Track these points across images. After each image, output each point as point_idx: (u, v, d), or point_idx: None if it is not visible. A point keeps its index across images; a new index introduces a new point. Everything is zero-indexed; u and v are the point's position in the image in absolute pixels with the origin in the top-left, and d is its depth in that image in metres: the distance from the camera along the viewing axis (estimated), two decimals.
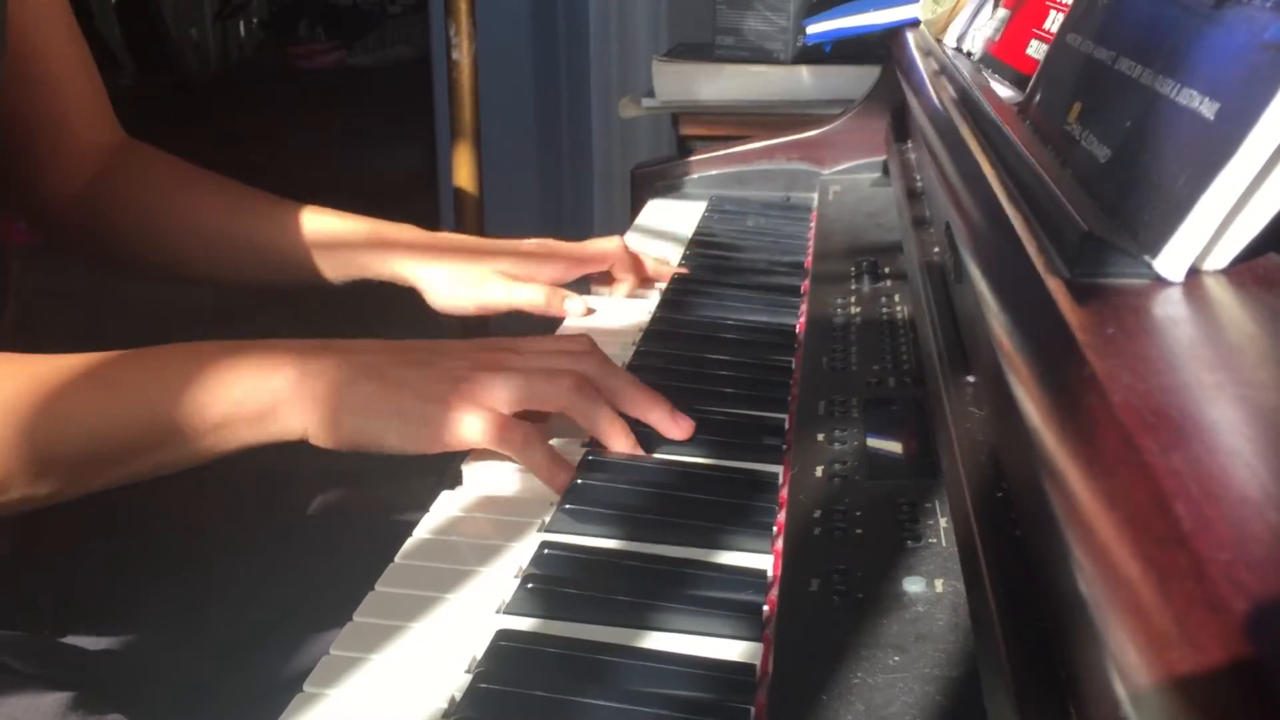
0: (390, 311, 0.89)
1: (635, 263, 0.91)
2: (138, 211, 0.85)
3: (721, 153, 1.19)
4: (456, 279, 0.83)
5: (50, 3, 0.78)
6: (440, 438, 0.58)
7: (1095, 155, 0.45)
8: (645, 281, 0.92)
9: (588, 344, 0.65)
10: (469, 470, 0.61)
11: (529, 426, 0.60)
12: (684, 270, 0.93)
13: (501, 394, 0.60)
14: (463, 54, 1.53)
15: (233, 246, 0.85)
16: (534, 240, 0.88)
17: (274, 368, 0.59)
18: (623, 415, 0.62)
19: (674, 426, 0.62)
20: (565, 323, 0.84)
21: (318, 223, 0.84)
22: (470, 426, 0.58)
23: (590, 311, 0.85)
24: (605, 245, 0.89)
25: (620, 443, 0.61)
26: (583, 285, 0.90)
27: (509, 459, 0.60)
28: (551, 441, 0.62)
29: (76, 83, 0.82)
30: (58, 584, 0.70)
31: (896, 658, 0.43)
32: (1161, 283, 0.37)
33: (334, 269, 0.85)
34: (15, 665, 0.60)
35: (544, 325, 0.83)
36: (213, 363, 0.59)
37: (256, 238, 0.84)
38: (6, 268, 0.75)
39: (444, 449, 0.59)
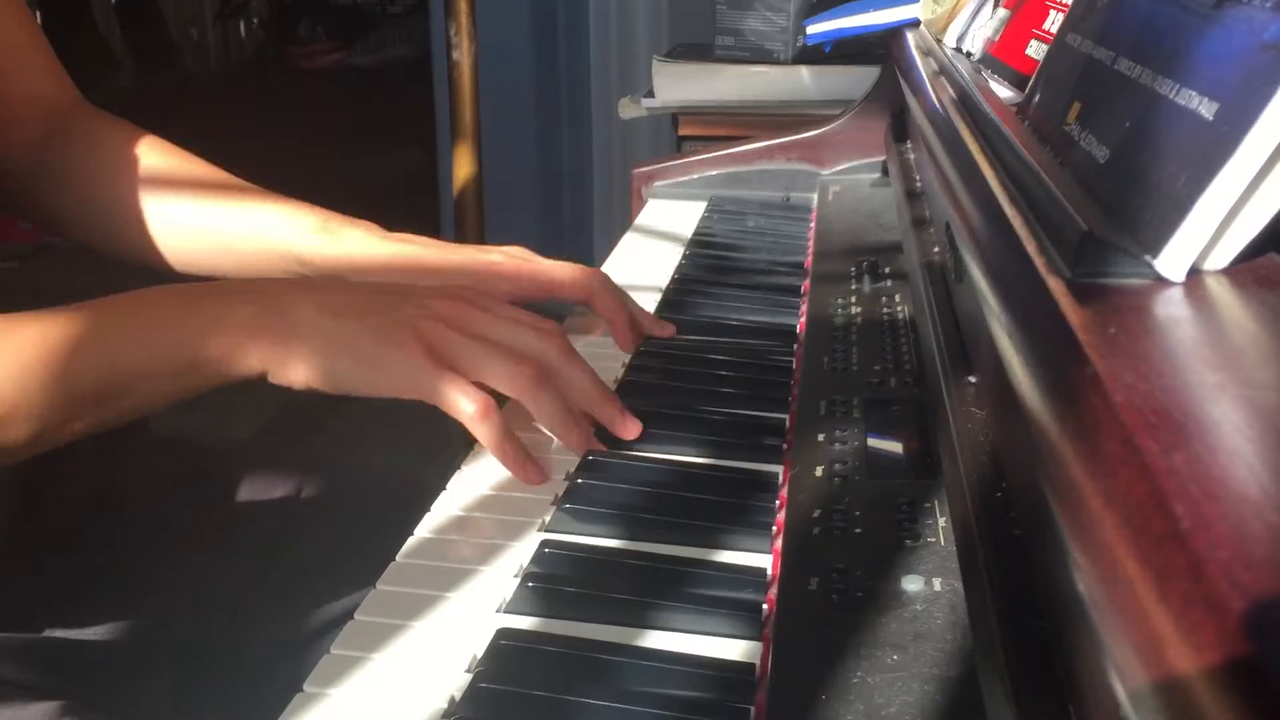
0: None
1: (618, 305, 0.76)
2: (79, 187, 0.81)
3: (721, 153, 1.19)
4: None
5: None
6: (393, 384, 0.58)
7: (1095, 155, 0.45)
8: (625, 332, 0.77)
9: (553, 327, 0.64)
10: (467, 468, 0.61)
11: (489, 401, 0.58)
12: (669, 332, 0.79)
13: (461, 358, 0.59)
14: (463, 54, 1.53)
15: (184, 233, 0.80)
16: (502, 250, 0.77)
17: (234, 305, 0.59)
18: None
19: (622, 427, 0.62)
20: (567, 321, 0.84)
21: (266, 216, 0.78)
22: (425, 380, 0.57)
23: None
24: (576, 275, 0.75)
25: (574, 441, 0.61)
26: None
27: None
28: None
29: (3, 38, 0.77)
30: (53, 584, 0.70)
31: (895, 656, 0.43)
32: (1162, 282, 0.37)
33: (278, 269, 0.78)
34: (4, 673, 0.60)
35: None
36: (174, 307, 0.59)
37: (209, 223, 0.79)
38: None
39: (395, 395, 0.58)
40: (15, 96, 0.79)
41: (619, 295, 0.77)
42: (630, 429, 0.62)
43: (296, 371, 0.58)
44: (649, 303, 0.86)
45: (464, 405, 0.57)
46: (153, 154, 0.81)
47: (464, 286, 0.65)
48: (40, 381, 0.55)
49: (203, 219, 0.79)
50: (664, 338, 0.79)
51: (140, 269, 0.87)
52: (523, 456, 0.59)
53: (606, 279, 0.77)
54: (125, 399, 0.58)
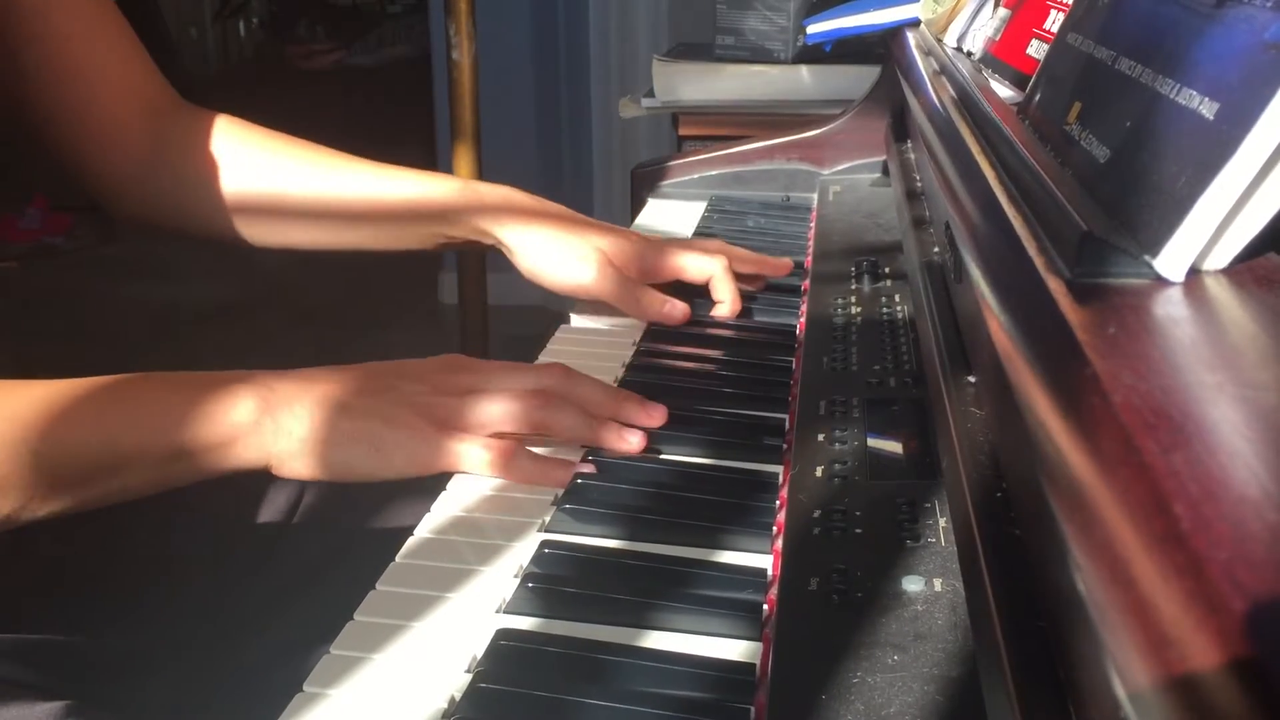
0: (385, 309, 0.88)
1: (734, 285, 0.83)
2: (201, 181, 0.81)
3: (721, 153, 1.19)
4: (555, 250, 0.80)
5: None
6: (408, 464, 0.59)
7: (1095, 155, 0.45)
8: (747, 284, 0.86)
9: (551, 365, 0.65)
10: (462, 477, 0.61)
11: (506, 442, 0.60)
12: (788, 264, 0.88)
13: (466, 418, 0.60)
14: (463, 54, 1.53)
15: (317, 211, 0.81)
16: (634, 231, 0.84)
17: (235, 398, 0.59)
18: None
19: (647, 417, 0.63)
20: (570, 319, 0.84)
21: (406, 184, 0.81)
22: (438, 453, 0.59)
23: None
24: (705, 264, 0.82)
25: (607, 439, 0.61)
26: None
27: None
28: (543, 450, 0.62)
29: (102, 40, 0.78)
30: (56, 586, 0.70)
31: (895, 657, 0.43)
32: (1162, 283, 0.37)
33: (422, 235, 0.82)
34: (9, 673, 0.60)
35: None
36: (173, 393, 0.59)
37: (344, 198, 0.81)
38: None
39: (413, 474, 0.59)
40: (121, 102, 0.80)
41: (734, 285, 0.83)
42: (655, 416, 0.63)
43: (304, 466, 0.59)
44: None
45: (482, 458, 0.59)
46: (268, 141, 0.82)
47: (454, 356, 0.66)
48: (31, 451, 0.55)
49: (340, 192, 0.81)
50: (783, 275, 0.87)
51: (139, 273, 0.87)
52: (565, 467, 0.59)
53: (727, 265, 0.83)
54: (113, 479, 0.58)
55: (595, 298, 0.80)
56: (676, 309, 0.80)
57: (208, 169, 0.81)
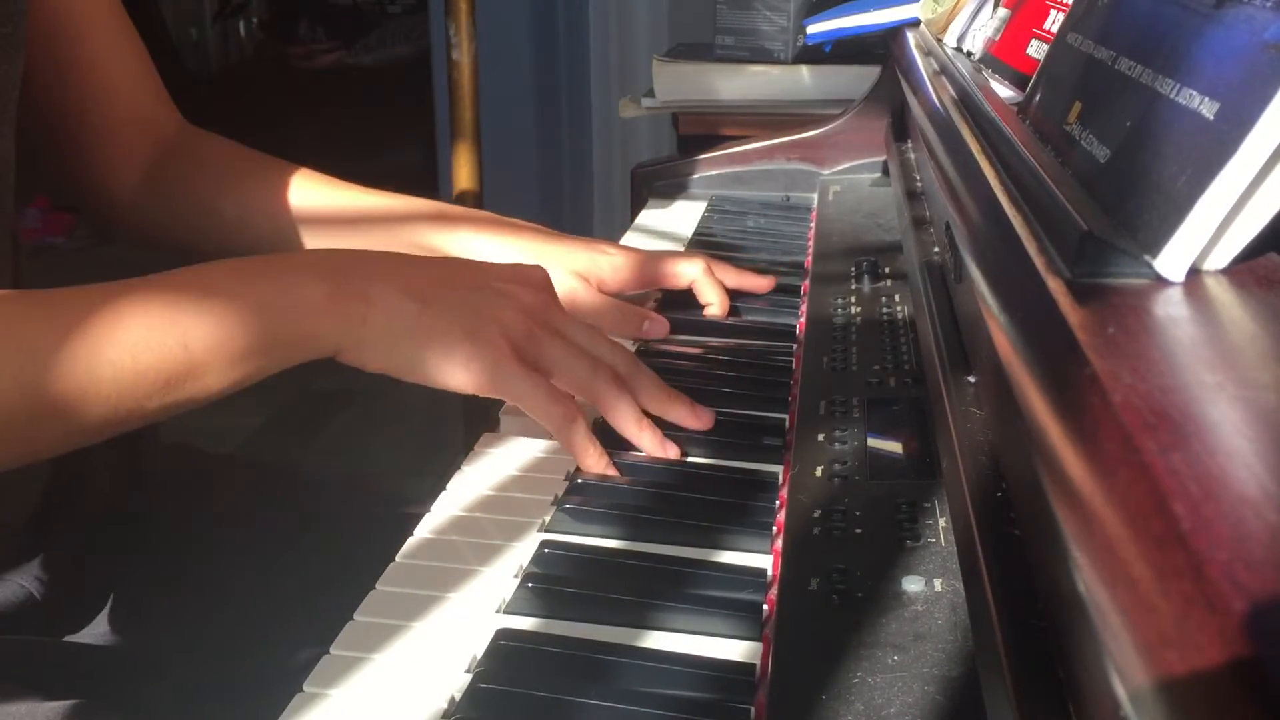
0: None
1: (719, 285, 0.83)
2: (201, 205, 0.81)
3: (721, 153, 1.19)
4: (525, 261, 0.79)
5: None
6: (478, 382, 0.57)
7: (1095, 155, 0.45)
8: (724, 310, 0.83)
9: (624, 349, 0.64)
10: (468, 468, 0.61)
11: (574, 403, 0.59)
12: (770, 282, 0.86)
13: (546, 358, 0.59)
14: (463, 54, 1.53)
15: (309, 236, 0.81)
16: (608, 243, 0.83)
17: (307, 281, 0.56)
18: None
19: (696, 421, 0.63)
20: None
21: (383, 203, 0.81)
22: (513, 383, 0.57)
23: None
24: (687, 267, 0.82)
25: (650, 444, 0.61)
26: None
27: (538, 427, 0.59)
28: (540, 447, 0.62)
29: (121, 68, 0.78)
30: (59, 586, 0.70)
31: (895, 657, 0.43)
32: (1162, 282, 0.37)
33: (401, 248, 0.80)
34: (15, 672, 0.60)
35: None
36: (245, 281, 0.56)
37: (333, 224, 0.80)
38: (20, 266, 0.74)
39: (477, 393, 0.57)
40: (129, 121, 0.79)
41: (719, 286, 0.82)
42: (704, 419, 0.63)
43: (373, 355, 0.57)
44: (649, 302, 0.86)
45: (552, 411, 0.58)
46: (264, 168, 0.82)
47: (537, 267, 0.65)
48: (109, 361, 0.52)
49: (334, 223, 0.80)
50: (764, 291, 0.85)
51: (139, 273, 0.87)
52: (603, 458, 0.59)
53: (707, 268, 0.82)
54: (195, 382, 0.54)
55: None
56: (659, 324, 0.78)
57: (205, 192, 0.81)
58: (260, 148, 0.84)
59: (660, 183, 1.19)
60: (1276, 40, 0.35)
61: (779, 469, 0.60)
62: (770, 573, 0.51)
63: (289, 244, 0.80)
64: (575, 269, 0.77)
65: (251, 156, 0.83)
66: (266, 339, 0.55)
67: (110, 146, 0.79)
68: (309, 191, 0.81)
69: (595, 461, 0.59)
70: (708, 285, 0.82)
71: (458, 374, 0.57)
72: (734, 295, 0.87)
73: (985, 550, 0.41)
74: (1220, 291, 0.36)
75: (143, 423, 0.55)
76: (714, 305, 0.82)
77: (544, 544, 0.53)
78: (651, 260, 0.82)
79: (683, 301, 0.86)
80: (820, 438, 0.61)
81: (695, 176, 1.19)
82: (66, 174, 0.79)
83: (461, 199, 1.59)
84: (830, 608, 0.46)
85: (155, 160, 0.81)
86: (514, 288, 0.61)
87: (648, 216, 1.13)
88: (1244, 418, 0.28)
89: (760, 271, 0.93)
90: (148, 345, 0.52)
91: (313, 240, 0.80)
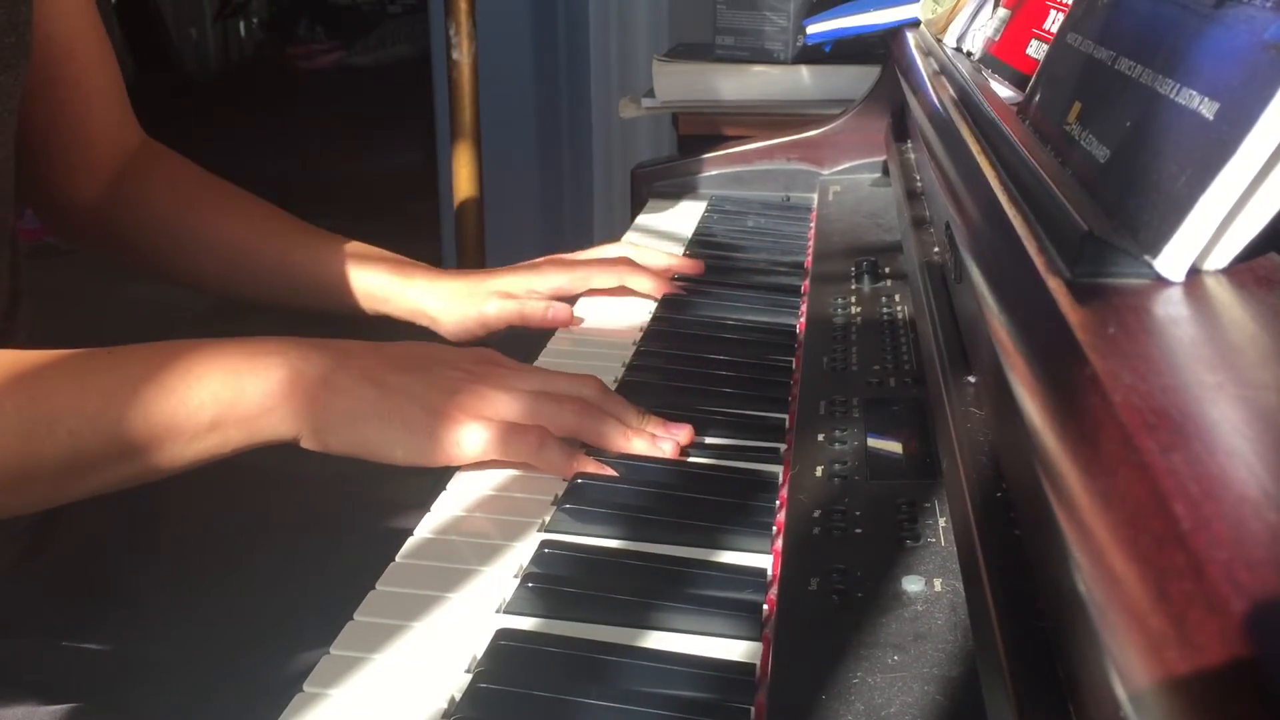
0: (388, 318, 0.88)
1: (645, 269, 0.87)
2: (157, 221, 0.83)
3: (721, 153, 1.19)
4: (459, 301, 0.82)
5: (77, 1, 0.76)
6: (446, 451, 0.58)
7: (1095, 155, 0.45)
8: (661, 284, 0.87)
9: (587, 376, 0.65)
10: (468, 468, 0.61)
11: (538, 427, 0.59)
12: (694, 265, 0.91)
13: (505, 409, 0.59)
14: (463, 54, 1.53)
15: (259, 267, 0.83)
16: (540, 258, 0.87)
17: (266, 367, 0.57)
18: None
19: (670, 436, 0.62)
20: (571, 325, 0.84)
21: (348, 252, 0.83)
22: (475, 439, 0.58)
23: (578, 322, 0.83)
24: (606, 253, 0.87)
25: (641, 448, 0.61)
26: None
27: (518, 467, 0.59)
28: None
29: (99, 85, 0.80)
30: (60, 589, 0.70)
31: (895, 657, 0.43)
32: (1162, 283, 0.37)
33: (364, 301, 0.83)
34: (15, 675, 0.60)
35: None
36: (201, 361, 0.57)
37: (288, 261, 0.83)
38: (19, 266, 0.74)
39: (448, 463, 0.58)
40: (100, 134, 0.81)
41: (650, 274, 0.87)
42: (685, 432, 0.62)
43: (336, 438, 0.58)
44: (649, 302, 0.86)
45: (517, 447, 0.58)
46: (222, 191, 0.85)
47: (489, 350, 0.66)
48: (67, 431, 0.53)
49: (281, 256, 0.83)
50: (696, 275, 0.90)
51: (144, 275, 0.88)
52: (586, 455, 0.59)
53: (631, 262, 0.87)
54: (140, 459, 0.55)
55: (508, 324, 0.83)
56: (562, 311, 0.82)
57: (162, 208, 0.84)
58: (260, 147, 0.85)
59: (660, 183, 1.19)
60: (1276, 40, 0.35)
61: (779, 469, 0.60)
62: (770, 573, 0.51)
63: (234, 271, 0.83)
64: (495, 289, 0.82)
65: (205, 181, 0.86)
66: (222, 418, 0.56)
67: (79, 156, 0.81)
68: (276, 232, 0.84)
69: (581, 464, 0.59)
70: (639, 278, 0.86)
71: (426, 447, 0.58)
72: (732, 295, 0.87)
73: (985, 550, 0.41)
74: (1220, 291, 0.36)
75: (88, 493, 0.56)
76: (649, 288, 0.86)
77: (544, 544, 0.53)
78: (580, 264, 0.86)
79: (683, 302, 0.86)
80: (820, 438, 0.61)
81: (695, 176, 1.19)
82: (34, 179, 0.81)
83: (461, 199, 1.59)
84: (830, 608, 0.46)
85: (119, 171, 0.83)
86: (465, 363, 0.62)
87: (648, 217, 1.13)
88: (1244, 418, 0.28)
89: (760, 271, 0.93)
90: (100, 414, 0.54)
91: (254, 276, 0.83)
